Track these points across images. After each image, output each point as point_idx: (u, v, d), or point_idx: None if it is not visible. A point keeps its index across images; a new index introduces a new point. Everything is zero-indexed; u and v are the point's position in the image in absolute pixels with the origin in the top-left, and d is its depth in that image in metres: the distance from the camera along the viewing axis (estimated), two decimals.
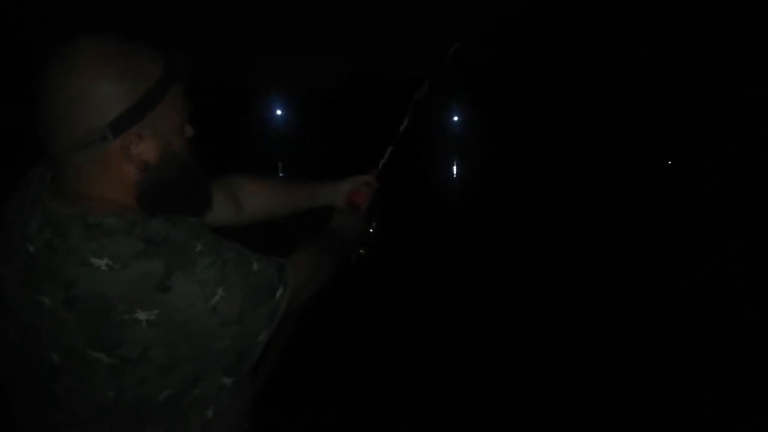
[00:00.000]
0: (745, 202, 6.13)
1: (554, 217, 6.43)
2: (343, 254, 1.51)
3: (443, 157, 9.98)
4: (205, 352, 0.98)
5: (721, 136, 7.71)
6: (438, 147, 9.59)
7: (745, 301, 4.26)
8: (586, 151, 8.28)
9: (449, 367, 3.83)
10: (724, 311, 4.16)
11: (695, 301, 4.27)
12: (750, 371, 3.53)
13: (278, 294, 1.07)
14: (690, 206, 6.24)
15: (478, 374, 3.78)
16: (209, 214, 1.16)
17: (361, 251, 1.67)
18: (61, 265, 0.91)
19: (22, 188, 1.06)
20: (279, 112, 11.22)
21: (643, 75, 9.66)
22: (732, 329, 3.92)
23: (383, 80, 9.45)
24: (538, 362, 3.87)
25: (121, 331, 0.91)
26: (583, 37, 9.27)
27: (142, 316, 0.91)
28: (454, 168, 10.49)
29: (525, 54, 9.62)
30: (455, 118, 11.05)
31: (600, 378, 3.69)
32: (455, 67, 1.75)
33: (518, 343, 4.07)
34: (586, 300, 4.61)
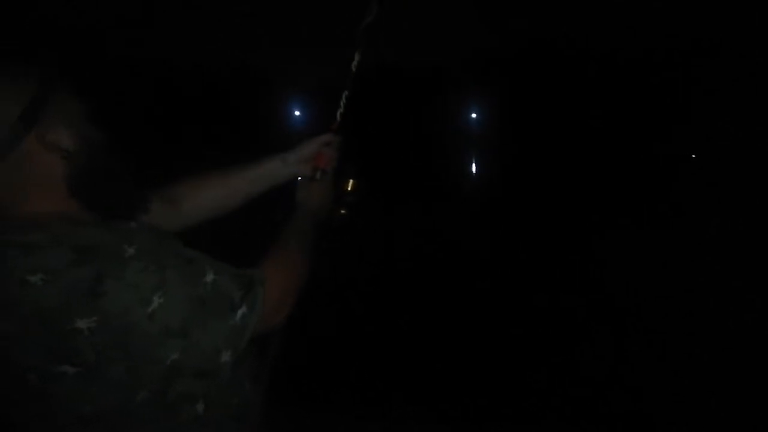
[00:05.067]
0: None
1: (561, 214, 6.38)
2: (322, 225, 1.42)
3: (457, 154, 9.96)
4: (159, 359, 0.96)
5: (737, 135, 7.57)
6: (452, 144, 9.57)
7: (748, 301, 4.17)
8: (598, 147, 8.20)
9: (454, 363, 3.81)
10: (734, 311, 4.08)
11: (703, 300, 4.21)
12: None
13: (239, 313, 1.02)
14: (704, 205, 6.15)
15: (484, 370, 3.75)
16: (147, 219, 1.13)
17: (342, 212, 1.55)
18: (5, 289, 0.92)
19: None
20: (296, 111, 11.28)
21: (664, 71, 9.50)
22: (737, 328, 3.86)
23: (393, 73, 9.41)
24: (543, 360, 3.83)
25: (70, 341, 0.91)
26: (603, 32, 9.13)
27: (82, 324, 0.91)
28: (472, 165, 10.44)
29: (537, 47, 9.51)
30: (473, 115, 11.00)
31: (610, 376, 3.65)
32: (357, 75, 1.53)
33: (523, 341, 4.03)
34: (592, 296, 4.56)
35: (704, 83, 8.50)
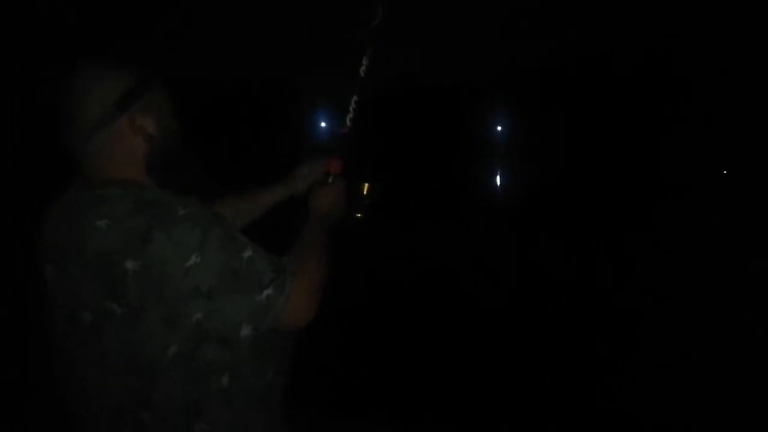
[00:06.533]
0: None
1: (588, 224, 6.34)
2: (337, 230, 1.48)
3: (483, 164, 9.94)
4: (186, 315, 1.09)
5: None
6: (478, 154, 9.56)
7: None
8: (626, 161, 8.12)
9: (462, 369, 3.83)
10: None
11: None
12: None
13: (264, 295, 1.13)
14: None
15: (492, 377, 3.77)
16: None
17: (359, 215, 1.59)
18: (79, 236, 1.11)
19: (42, 249, 1.24)
20: (322, 123, 11.38)
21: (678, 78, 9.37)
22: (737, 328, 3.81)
23: (423, 87, 9.46)
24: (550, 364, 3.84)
25: (120, 280, 1.07)
26: (623, 43, 9.05)
27: (129, 265, 1.06)
28: (498, 176, 10.39)
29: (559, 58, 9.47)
30: (498, 128, 10.97)
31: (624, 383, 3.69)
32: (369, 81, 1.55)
33: (544, 352, 4.03)
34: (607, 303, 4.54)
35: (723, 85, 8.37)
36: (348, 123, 1.56)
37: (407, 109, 9.73)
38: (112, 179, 1.18)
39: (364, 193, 1.60)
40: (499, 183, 10.53)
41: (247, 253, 1.14)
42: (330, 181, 1.53)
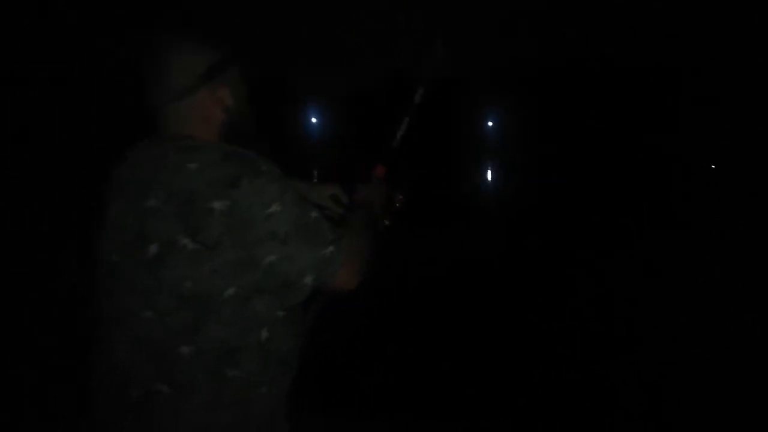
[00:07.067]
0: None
1: (584, 222, 6.39)
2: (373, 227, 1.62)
3: (473, 160, 9.93)
4: (258, 259, 1.20)
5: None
6: (468, 151, 9.53)
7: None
8: (621, 157, 8.19)
9: (462, 369, 3.82)
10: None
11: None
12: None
13: (328, 250, 1.26)
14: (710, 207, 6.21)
15: (491, 376, 3.77)
16: None
17: (386, 222, 1.73)
18: (165, 174, 1.22)
19: (116, 185, 1.34)
20: (313, 119, 11.18)
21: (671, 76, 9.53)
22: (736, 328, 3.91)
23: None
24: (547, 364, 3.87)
25: (203, 217, 1.18)
26: (612, 39, 9.16)
27: (216, 205, 1.18)
28: (488, 172, 10.43)
29: (550, 56, 9.53)
30: (489, 123, 10.99)
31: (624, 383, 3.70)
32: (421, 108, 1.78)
33: (544, 350, 4.04)
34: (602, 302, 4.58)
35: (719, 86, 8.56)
36: (398, 138, 1.79)
37: (399, 105, 9.59)
38: (192, 135, 1.32)
39: (396, 204, 1.78)
40: (490, 179, 10.59)
41: (314, 214, 1.28)
42: (374, 181, 1.73)
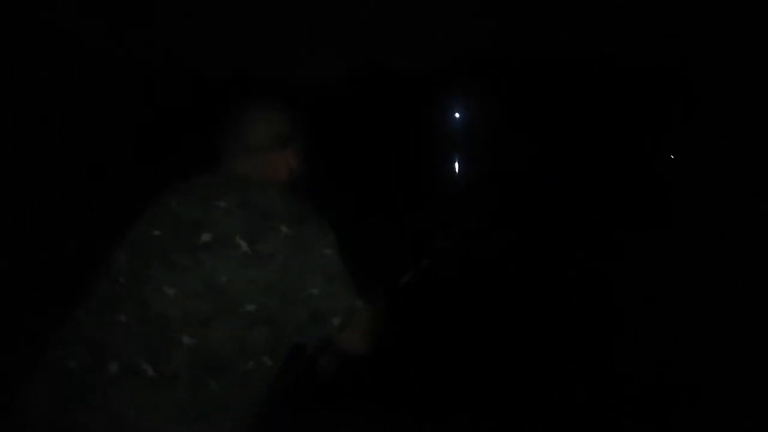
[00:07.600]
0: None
1: (557, 217, 6.38)
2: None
3: (446, 156, 9.90)
4: (301, 287, 1.35)
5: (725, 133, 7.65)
6: (441, 146, 9.50)
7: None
8: (591, 149, 8.20)
9: (456, 370, 3.82)
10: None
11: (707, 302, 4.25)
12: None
13: (359, 303, 1.43)
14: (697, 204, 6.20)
15: (487, 376, 3.77)
16: None
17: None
18: (245, 190, 1.42)
19: (185, 187, 1.50)
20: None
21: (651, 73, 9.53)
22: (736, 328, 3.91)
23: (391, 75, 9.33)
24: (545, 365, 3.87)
25: (269, 232, 1.34)
26: (588, 35, 9.14)
27: (284, 229, 1.36)
28: (456, 166, 10.41)
29: (529, 51, 9.49)
30: (456, 115, 10.92)
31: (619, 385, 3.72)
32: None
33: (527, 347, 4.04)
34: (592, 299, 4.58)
35: (704, 84, 8.55)
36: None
37: (370, 99, 9.56)
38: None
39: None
40: (457, 171, 10.53)
41: (347, 272, 1.45)
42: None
